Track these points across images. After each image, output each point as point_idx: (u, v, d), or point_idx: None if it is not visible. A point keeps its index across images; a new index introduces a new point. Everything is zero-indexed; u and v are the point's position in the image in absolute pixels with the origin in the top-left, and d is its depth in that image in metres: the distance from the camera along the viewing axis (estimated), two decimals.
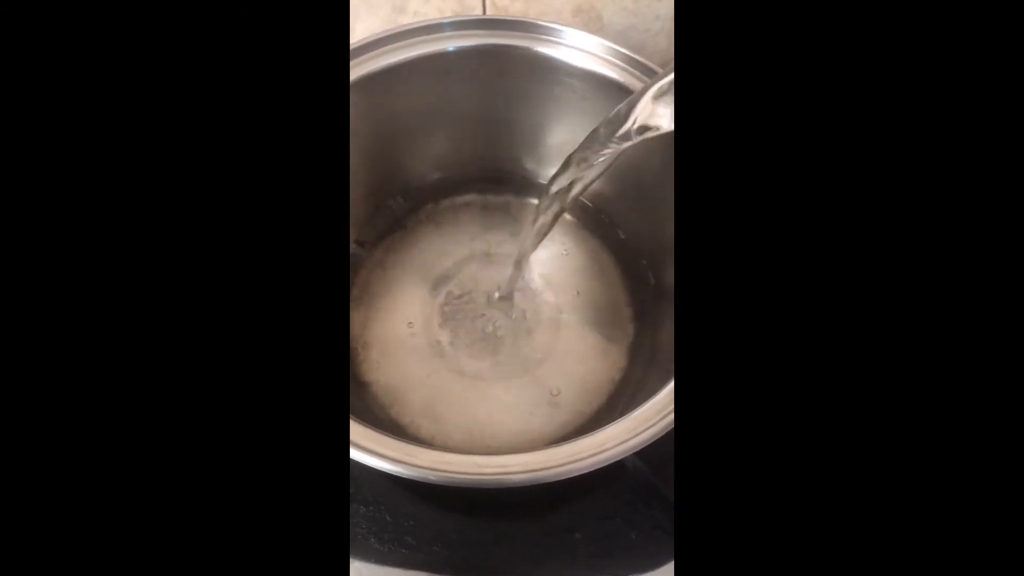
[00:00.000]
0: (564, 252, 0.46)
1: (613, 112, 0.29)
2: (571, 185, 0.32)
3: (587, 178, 0.31)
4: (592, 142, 0.30)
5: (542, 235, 0.37)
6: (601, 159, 0.30)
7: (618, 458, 0.28)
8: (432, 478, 0.27)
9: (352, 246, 0.46)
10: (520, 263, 0.39)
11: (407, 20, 0.47)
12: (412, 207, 0.47)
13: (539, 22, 0.37)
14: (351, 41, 0.38)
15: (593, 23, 0.48)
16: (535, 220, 0.36)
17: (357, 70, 0.37)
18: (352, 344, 0.43)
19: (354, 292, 0.45)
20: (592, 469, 0.28)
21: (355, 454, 0.28)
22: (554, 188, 0.33)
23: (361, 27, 0.48)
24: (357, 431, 0.29)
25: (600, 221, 0.47)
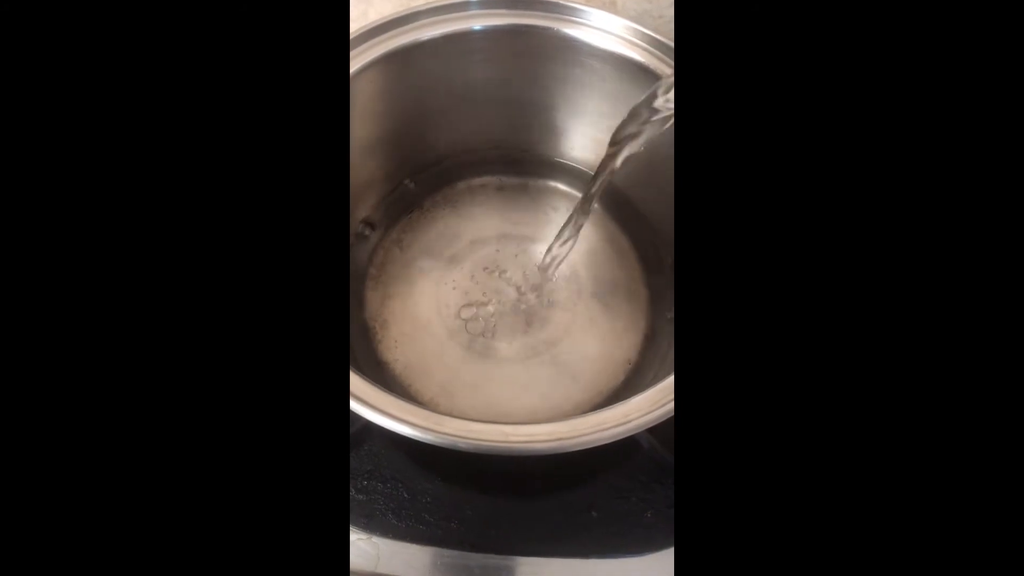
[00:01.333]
0: (582, 234, 0.47)
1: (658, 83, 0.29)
2: (617, 155, 0.33)
3: (631, 148, 0.32)
4: (635, 115, 0.30)
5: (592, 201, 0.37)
6: (646, 129, 0.31)
7: (643, 428, 0.29)
8: (461, 445, 0.28)
9: (360, 226, 0.46)
10: (570, 241, 0.40)
11: (420, 2, 0.47)
12: (429, 187, 0.48)
13: (566, 3, 0.38)
14: (375, 18, 0.38)
15: (607, 8, 0.48)
16: (590, 189, 0.36)
17: (381, 47, 0.37)
18: (370, 323, 0.43)
19: (371, 271, 0.45)
20: (617, 439, 0.28)
21: (384, 421, 0.29)
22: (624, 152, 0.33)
23: (374, 12, 0.49)
24: (385, 400, 0.29)
25: (618, 202, 0.47)
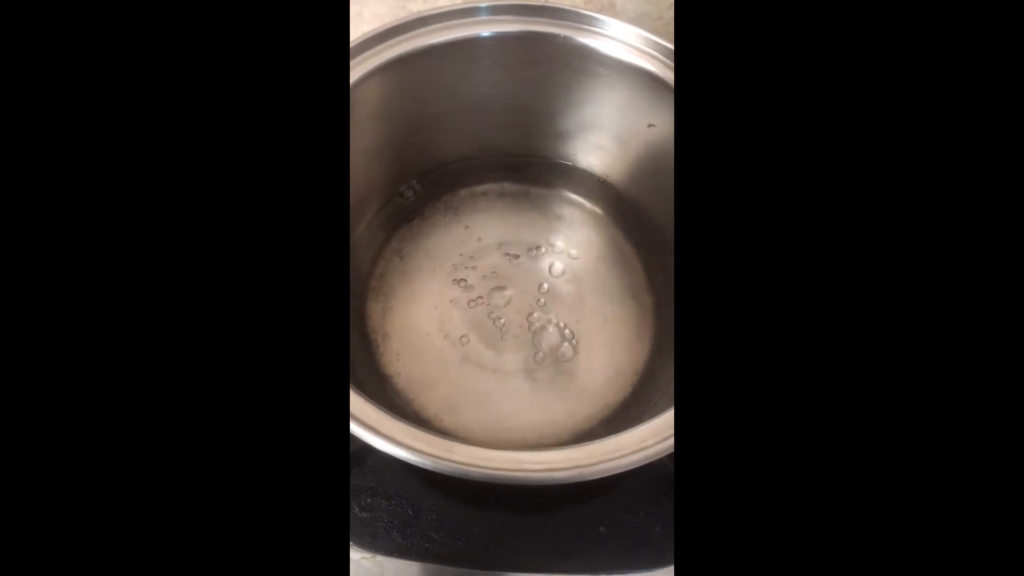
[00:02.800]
0: (586, 242, 0.46)
1: None
2: None
3: None
4: None
5: None
6: None
7: (661, 455, 0.28)
8: (474, 475, 0.27)
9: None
10: None
11: (417, 7, 0.46)
12: (430, 195, 0.46)
13: (574, 10, 0.37)
14: (369, 18, 0.37)
15: (607, 10, 0.47)
16: None
17: (389, 51, 0.36)
18: (372, 336, 0.42)
19: (372, 282, 0.44)
20: (636, 466, 0.28)
21: (392, 449, 0.28)
22: None
23: (369, 12, 0.47)
24: (393, 426, 0.28)
25: (622, 211, 0.47)
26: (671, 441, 0.28)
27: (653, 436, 0.29)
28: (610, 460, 0.27)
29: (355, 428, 0.28)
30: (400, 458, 0.28)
